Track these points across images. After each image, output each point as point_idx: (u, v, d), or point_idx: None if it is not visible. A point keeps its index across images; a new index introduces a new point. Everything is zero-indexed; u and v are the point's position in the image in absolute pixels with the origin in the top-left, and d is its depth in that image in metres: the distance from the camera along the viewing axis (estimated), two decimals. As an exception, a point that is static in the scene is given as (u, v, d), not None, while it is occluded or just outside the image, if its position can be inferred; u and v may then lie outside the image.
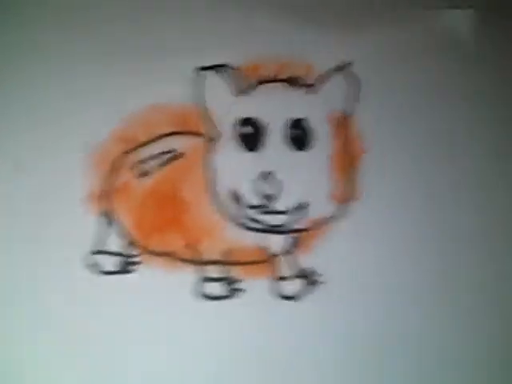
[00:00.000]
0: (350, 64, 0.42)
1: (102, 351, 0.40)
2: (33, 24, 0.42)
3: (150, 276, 0.40)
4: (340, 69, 0.42)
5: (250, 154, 0.41)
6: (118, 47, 0.42)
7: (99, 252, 0.40)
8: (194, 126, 0.42)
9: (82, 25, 0.42)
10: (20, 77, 0.41)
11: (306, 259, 0.42)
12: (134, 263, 0.40)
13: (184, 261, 0.41)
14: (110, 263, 0.40)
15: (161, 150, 0.41)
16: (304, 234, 0.42)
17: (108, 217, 0.40)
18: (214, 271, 0.41)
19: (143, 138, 0.41)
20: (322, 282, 0.41)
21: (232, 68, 0.42)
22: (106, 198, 0.41)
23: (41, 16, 0.42)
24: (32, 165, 0.41)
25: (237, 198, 0.41)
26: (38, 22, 0.42)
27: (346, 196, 0.42)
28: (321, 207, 0.42)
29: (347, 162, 0.42)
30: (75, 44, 0.42)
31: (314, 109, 0.42)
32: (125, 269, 0.40)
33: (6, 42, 0.42)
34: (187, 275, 0.40)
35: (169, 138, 0.41)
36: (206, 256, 0.41)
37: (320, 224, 0.42)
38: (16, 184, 0.41)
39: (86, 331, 0.40)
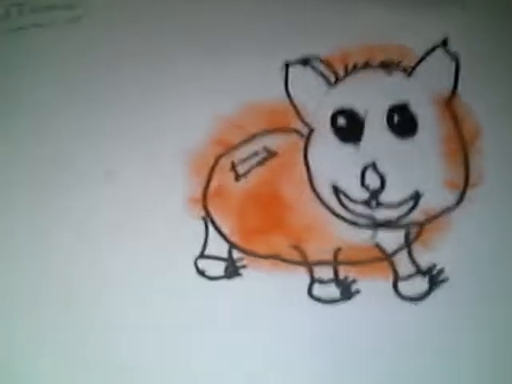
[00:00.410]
0: (447, 41, 0.38)
1: (212, 357, 0.38)
2: (117, 25, 0.43)
3: (257, 280, 0.38)
4: (437, 47, 0.38)
5: (349, 146, 0.38)
6: (206, 47, 0.42)
7: (204, 257, 0.39)
8: (287, 123, 0.40)
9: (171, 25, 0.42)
10: (108, 80, 0.42)
11: (426, 255, 0.37)
12: (239, 267, 0.39)
13: (292, 262, 0.38)
14: (216, 268, 0.39)
15: (255, 150, 0.39)
16: (420, 227, 0.38)
17: (209, 221, 0.39)
18: (325, 272, 0.38)
19: (237, 140, 0.40)
20: (445, 280, 0.37)
21: (321, 59, 0.40)
22: (205, 203, 0.40)
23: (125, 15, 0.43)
24: (125, 172, 0.40)
25: (340, 193, 0.38)
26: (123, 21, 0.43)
27: (463, 183, 0.37)
28: (436, 197, 0.38)
29: (460, 145, 0.38)
30: (166, 46, 0.42)
31: (414, 92, 0.39)
32: (231, 273, 0.39)
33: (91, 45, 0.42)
34: (296, 277, 0.38)
35: (261, 137, 0.40)
36: (315, 256, 0.38)
37: (437, 215, 0.37)
38: (107, 193, 0.41)
39: (199, 338, 0.38)
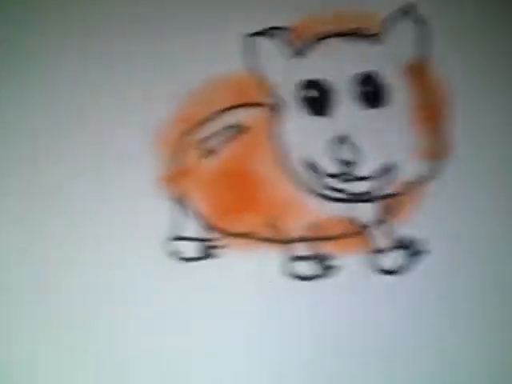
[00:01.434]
0: (414, 6, 0.37)
1: (192, 338, 0.38)
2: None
3: (234, 259, 0.37)
4: (405, 13, 0.37)
5: (320, 119, 0.37)
6: (167, 22, 0.39)
7: (178, 238, 0.38)
8: (254, 97, 0.38)
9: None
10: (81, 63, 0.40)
11: (403, 227, 0.37)
12: (214, 247, 0.38)
13: (267, 240, 0.37)
14: (191, 249, 0.38)
15: (223, 126, 0.38)
16: (395, 199, 0.37)
17: (180, 200, 0.38)
18: (301, 249, 0.37)
19: (203, 116, 0.38)
20: (426, 252, 0.36)
21: (285, 29, 0.38)
22: (174, 181, 0.38)
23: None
24: (95, 153, 0.39)
25: (312, 167, 0.37)
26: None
27: (436, 152, 0.37)
28: (409, 168, 0.37)
29: (431, 113, 0.37)
30: (127, 26, 0.40)
31: (383, 60, 0.37)
32: (206, 254, 0.38)
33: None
34: (273, 255, 0.37)
35: (229, 112, 0.38)
36: (290, 233, 0.37)
37: (411, 186, 0.37)
38: (80, 176, 0.39)
39: (176, 319, 0.38)
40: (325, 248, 0.37)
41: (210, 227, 0.38)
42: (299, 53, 0.38)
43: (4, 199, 0.40)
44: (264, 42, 0.38)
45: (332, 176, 0.37)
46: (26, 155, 0.40)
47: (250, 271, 0.37)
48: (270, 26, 0.38)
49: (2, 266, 0.40)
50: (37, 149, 0.40)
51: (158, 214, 0.38)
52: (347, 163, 0.36)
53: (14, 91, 0.40)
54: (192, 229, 0.38)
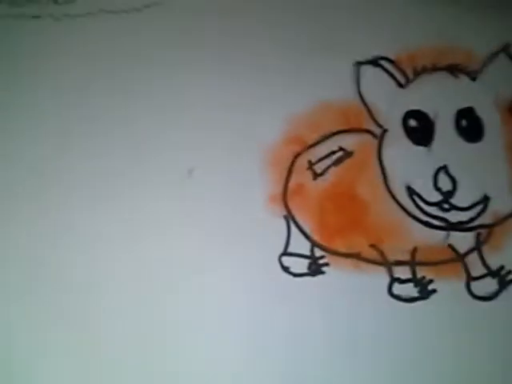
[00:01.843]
0: (509, 45, 0.40)
1: (296, 352, 0.39)
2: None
3: (339, 277, 0.39)
4: (501, 51, 0.40)
5: (421, 148, 0.39)
6: (281, 49, 0.41)
7: (287, 254, 0.39)
8: (359, 123, 0.41)
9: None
10: (183, 77, 0.42)
11: (496, 257, 0.39)
12: (322, 265, 0.39)
13: (371, 262, 0.39)
14: (299, 265, 0.39)
15: (331, 150, 0.40)
16: (490, 229, 0.39)
17: (288, 219, 0.40)
18: (402, 272, 0.39)
19: (312, 139, 0.40)
20: (512, 280, 0.38)
21: (390, 60, 0.40)
22: (284, 201, 0.40)
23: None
24: (205, 171, 0.40)
25: (414, 194, 0.39)
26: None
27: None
28: (503, 200, 0.39)
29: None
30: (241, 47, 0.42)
31: (480, 96, 0.40)
32: (314, 270, 0.39)
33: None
34: (376, 276, 0.39)
35: (336, 137, 0.40)
36: (392, 256, 0.39)
37: (505, 218, 0.39)
38: (188, 191, 0.40)
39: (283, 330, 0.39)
40: (424, 272, 0.39)
41: (319, 246, 0.40)
42: (402, 84, 0.40)
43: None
44: (371, 71, 0.40)
45: (431, 204, 0.39)
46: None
47: (355, 289, 0.39)
48: (376, 55, 0.40)
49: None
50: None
51: (267, 232, 0.39)
52: (446, 193, 0.38)
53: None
54: (299, 247, 0.40)
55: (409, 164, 0.39)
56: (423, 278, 0.39)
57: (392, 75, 0.40)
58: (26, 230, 0.41)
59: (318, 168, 0.40)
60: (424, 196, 0.39)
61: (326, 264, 0.39)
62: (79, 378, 0.39)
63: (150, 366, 0.39)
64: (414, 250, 0.39)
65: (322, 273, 0.39)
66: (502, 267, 0.39)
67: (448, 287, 0.38)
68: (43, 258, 0.40)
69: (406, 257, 0.39)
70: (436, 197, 0.39)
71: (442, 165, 0.39)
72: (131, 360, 0.39)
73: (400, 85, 0.40)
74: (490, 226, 0.39)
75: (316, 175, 0.40)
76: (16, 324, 0.40)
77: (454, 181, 0.39)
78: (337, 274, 0.39)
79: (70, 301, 0.39)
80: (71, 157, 0.42)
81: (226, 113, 0.41)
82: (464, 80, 0.40)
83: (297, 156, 0.40)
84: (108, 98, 0.42)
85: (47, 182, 0.41)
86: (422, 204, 0.39)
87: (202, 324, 0.39)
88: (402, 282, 0.39)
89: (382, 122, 0.40)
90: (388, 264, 0.39)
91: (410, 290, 0.39)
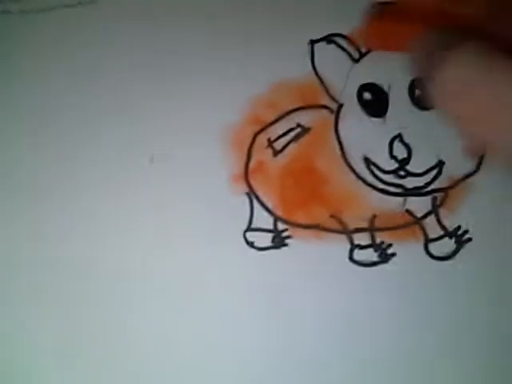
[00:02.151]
0: None
1: (271, 322, 0.41)
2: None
3: (302, 248, 0.41)
4: None
5: (377, 120, 0.41)
6: (231, 30, 0.42)
7: (251, 230, 0.41)
8: (316, 100, 0.42)
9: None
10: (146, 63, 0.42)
11: (452, 218, 0.41)
12: (285, 237, 0.41)
13: (332, 231, 0.41)
14: (263, 239, 0.41)
15: (289, 127, 0.41)
16: (445, 193, 0.41)
17: (251, 196, 0.41)
18: (362, 238, 0.41)
19: (271, 117, 0.42)
20: (469, 240, 0.41)
21: (344, 36, 0.41)
22: (245, 179, 0.42)
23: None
24: (167, 154, 0.42)
25: (372, 164, 0.40)
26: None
27: (481, 150, 0.40)
28: (457, 164, 0.41)
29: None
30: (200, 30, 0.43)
31: None
32: (277, 243, 0.41)
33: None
34: (337, 244, 0.41)
35: (293, 114, 0.42)
36: (352, 225, 0.41)
37: (459, 181, 0.41)
38: (152, 174, 0.42)
39: (252, 303, 0.41)
40: (383, 238, 0.41)
41: (280, 219, 0.41)
42: (356, 59, 0.41)
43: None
44: (324, 48, 0.41)
45: (388, 172, 0.40)
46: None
47: (316, 258, 0.41)
48: (330, 33, 0.41)
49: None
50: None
51: (230, 209, 0.41)
52: (402, 161, 0.40)
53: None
54: (262, 221, 0.41)
55: (365, 136, 0.41)
56: (382, 242, 0.41)
57: (345, 50, 0.41)
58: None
59: (278, 145, 0.41)
60: (381, 165, 0.41)
61: (289, 236, 0.41)
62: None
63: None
64: (373, 217, 0.41)
65: (286, 245, 0.41)
66: (458, 227, 0.41)
67: (407, 250, 0.40)
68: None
69: (366, 224, 0.41)
70: (392, 165, 0.40)
71: (396, 134, 0.40)
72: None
73: (354, 60, 0.41)
74: (445, 190, 0.41)
75: (276, 152, 0.41)
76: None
77: (408, 148, 0.40)
78: (300, 244, 0.41)
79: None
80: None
81: (187, 95, 0.42)
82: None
83: (256, 135, 0.42)
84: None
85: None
86: (378, 173, 0.41)
87: (174, 304, 0.41)
88: (362, 247, 0.41)
89: (337, 97, 0.41)
90: (348, 232, 0.41)
91: (370, 255, 0.41)
